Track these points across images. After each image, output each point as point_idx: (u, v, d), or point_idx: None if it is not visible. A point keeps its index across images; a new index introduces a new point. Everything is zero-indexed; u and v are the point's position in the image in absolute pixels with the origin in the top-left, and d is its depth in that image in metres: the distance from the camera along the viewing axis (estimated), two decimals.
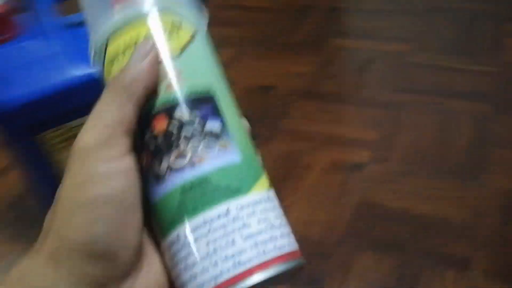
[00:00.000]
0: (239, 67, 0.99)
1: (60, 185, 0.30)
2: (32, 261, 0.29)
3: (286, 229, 0.32)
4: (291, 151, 0.78)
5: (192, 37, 0.33)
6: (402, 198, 0.68)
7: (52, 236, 0.29)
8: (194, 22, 0.34)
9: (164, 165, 0.30)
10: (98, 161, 0.29)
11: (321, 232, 0.65)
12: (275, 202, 0.33)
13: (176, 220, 0.31)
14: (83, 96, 0.46)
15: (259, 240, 0.30)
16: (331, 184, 0.71)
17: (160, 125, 0.31)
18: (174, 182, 0.30)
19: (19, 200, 0.79)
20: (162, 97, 0.31)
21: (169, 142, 0.31)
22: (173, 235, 0.31)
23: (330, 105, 0.86)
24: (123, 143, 0.30)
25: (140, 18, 0.33)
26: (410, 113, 0.81)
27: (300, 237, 0.64)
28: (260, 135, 0.82)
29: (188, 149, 0.30)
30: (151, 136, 0.31)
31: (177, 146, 0.31)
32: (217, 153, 0.31)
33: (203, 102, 0.32)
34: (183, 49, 0.32)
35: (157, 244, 0.33)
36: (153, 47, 0.32)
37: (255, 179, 0.32)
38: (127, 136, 0.30)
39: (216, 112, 0.32)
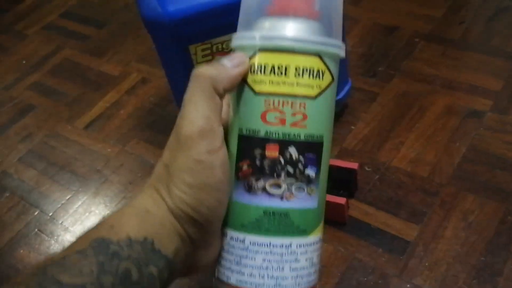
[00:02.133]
0: (366, 4, 0.99)
1: (168, 156, 0.36)
2: (156, 206, 0.36)
3: (317, 267, 0.40)
4: (410, 92, 0.80)
5: (329, 85, 0.37)
6: None
7: (169, 200, 0.36)
8: (335, 71, 0.37)
9: (261, 184, 0.36)
10: (202, 151, 0.35)
11: (429, 170, 0.68)
12: (320, 244, 0.40)
13: (249, 229, 0.37)
14: (226, 16, 0.52)
15: (299, 274, 0.37)
16: (446, 127, 0.73)
17: (273, 151, 0.36)
18: (261, 202, 0.36)
19: (158, 107, 0.88)
20: (286, 129, 0.36)
21: (273, 169, 0.36)
22: (240, 235, 0.37)
23: (455, 51, 0.86)
24: (219, 134, 0.36)
25: (299, 50, 0.35)
26: None
27: (408, 173, 0.68)
28: (380, 73, 0.84)
29: (285, 183, 0.36)
30: (261, 155, 0.36)
31: (278, 176, 0.36)
32: (304, 196, 0.37)
33: (312, 148, 0.37)
34: (318, 95, 0.36)
35: None
36: (246, 63, 0.36)
37: (317, 225, 0.39)
38: (221, 127, 0.36)
39: (318, 161, 0.37)
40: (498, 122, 0.72)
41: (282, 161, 0.36)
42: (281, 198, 0.36)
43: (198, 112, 0.35)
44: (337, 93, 0.72)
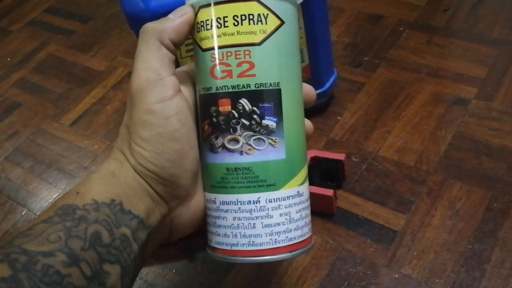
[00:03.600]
0: None
1: (127, 117, 0.37)
2: (122, 167, 0.36)
3: (303, 222, 0.38)
4: (396, 81, 0.80)
5: (277, 29, 0.36)
6: (501, 136, 0.69)
7: (131, 158, 0.36)
8: (285, 13, 0.36)
9: (220, 141, 0.36)
10: (153, 101, 0.35)
11: (416, 159, 0.68)
12: (302, 197, 0.38)
13: (217, 188, 0.37)
14: None
15: (274, 231, 0.36)
16: (432, 115, 0.73)
17: (225, 105, 0.35)
18: (222, 159, 0.36)
19: None
20: (233, 81, 0.35)
21: (228, 124, 0.35)
22: (211, 196, 0.37)
23: (440, 38, 0.86)
24: (170, 83, 0.36)
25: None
26: None
27: (395, 162, 0.69)
28: (366, 63, 0.84)
29: (242, 136, 0.35)
30: (215, 111, 0.36)
31: (234, 130, 0.35)
32: (265, 148, 0.35)
33: (268, 97, 0.35)
34: (263, 40, 0.35)
35: None
36: (189, 12, 0.36)
37: (291, 177, 0.37)
38: (173, 76, 0.36)
39: (277, 110, 0.36)
40: (483, 109, 0.73)
41: (236, 114, 0.35)
42: (241, 153, 0.35)
43: (144, 64, 0.35)
44: (323, 84, 0.73)
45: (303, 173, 0.38)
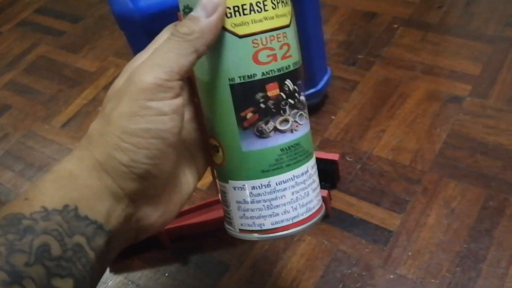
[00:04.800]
0: None
1: (111, 105, 0.33)
2: (82, 164, 0.33)
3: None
4: (391, 79, 0.79)
5: (292, 8, 0.37)
6: (496, 134, 0.68)
7: (101, 149, 0.33)
8: None
9: (271, 125, 0.36)
10: (152, 99, 0.32)
11: (411, 158, 0.68)
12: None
13: (271, 171, 0.37)
14: None
15: (318, 191, 0.40)
16: (426, 113, 0.73)
17: (273, 89, 0.35)
18: (276, 142, 0.36)
19: None
20: (279, 64, 0.35)
21: (279, 107, 0.36)
22: (263, 181, 0.37)
23: (434, 35, 0.85)
24: (177, 88, 0.33)
25: None
26: None
27: (390, 161, 0.68)
28: (360, 61, 0.83)
29: (291, 115, 0.36)
30: (262, 97, 0.35)
31: (284, 111, 0.36)
32: (304, 121, 0.38)
33: (299, 74, 0.37)
34: (291, 21, 0.36)
35: (194, 175, 0.40)
36: (222, 5, 0.33)
37: (313, 144, 0.40)
38: (181, 82, 0.33)
39: (303, 85, 0.38)
40: (477, 107, 0.72)
41: (284, 96, 0.36)
42: (292, 131, 0.37)
43: (163, 61, 0.32)
44: (317, 84, 0.72)
45: None
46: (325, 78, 0.74)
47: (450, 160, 0.66)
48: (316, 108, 0.76)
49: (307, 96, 0.73)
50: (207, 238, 0.63)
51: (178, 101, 0.34)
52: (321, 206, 0.40)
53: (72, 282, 0.30)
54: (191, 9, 0.34)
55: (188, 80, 0.38)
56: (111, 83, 0.91)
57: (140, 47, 0.63)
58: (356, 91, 0.78)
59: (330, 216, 0.63)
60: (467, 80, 0.76)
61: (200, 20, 0.33)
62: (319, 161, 0.64)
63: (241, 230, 0.39)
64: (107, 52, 0.98)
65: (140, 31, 0.59)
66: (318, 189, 0.40)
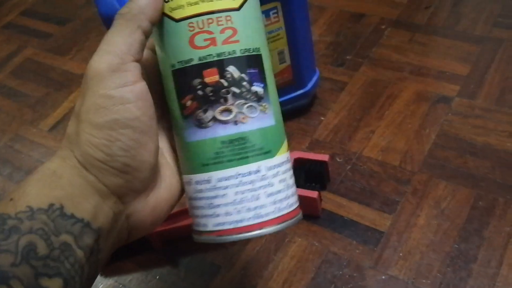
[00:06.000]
0: None
1: (79, 103, 0.33)
2: (64, 164, 0.33)
3: (294, 188, 0.37)
4: (379, 80, 0.79)
5: None
6: (485, 134, 0.68)
7: (78, 148, 0.32)
8: None
9: (209, 114, 0.33)
10: (112, 86, 0.31)
11: (400, 159, 0.68)
12: (290, 163, 0.37)
13: (211, 165, 0.34)
14: None
15: (277, 198, 0.35)
16: (415, 114, 0.73)
17: (211, 75, 0.33)
18: (216, 133, 0.33)
19: None
20: (218, 49, 0.33)
21: (218, 94, 0.33)
22: (203, 176, 0.34)
23: (422, 36, 0.85)
24: (134, 70, 0.32)
25: None
26: (507, 50, 0.80)
27: (379, 162, 0.68)
28: (348, 62, 0.83)
29: (235, 106, 0.33)
30: (200, 83, 0.33)
31: (226, 100, 0.33)
32: (258, 114, 0.34)
33: (253, 63, 0.34)
34: (242, 4, 0.34)
35: (176, 167, 0.37)
36: None
37: (282, 143, 0.36)
38: (137, 63, 0.33)
39: (261, 75, 0.34)
40: (466, 107, 0.72)
41: (225, 83, 0.33)
42: (235, 123, 0.33)
43: (109, 46, 0.32)
44: (306, 85, 0.72)
45: (287, 142, 0.38)
46: (314, 79, 0.74)
47: (440, 161, 0.67)
48: (305, 109, 0.76)
49: (296, 98, 0.73)
50: None
51: (141, 86, 0.33)
52: (280, 217, 0.35)
53: (61, 282, 0.29)
54: None
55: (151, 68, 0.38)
56: None
57: None
58: (344, 92, 0.78)
59: (321, 218, 0.63)
60: (455, 81, 0.76)
61: None
62: (309, 162, 0.64)
63: (193, 231, 0.37)
64: None
65: None
66: (280, 195, 0.35)
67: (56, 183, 0.31)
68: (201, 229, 0.35)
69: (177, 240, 0.63)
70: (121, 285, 0.61)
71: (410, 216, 0.62)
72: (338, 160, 0.69)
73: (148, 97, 0.33)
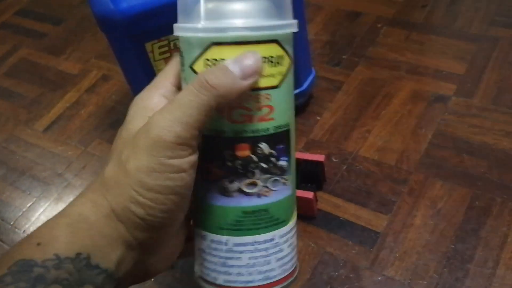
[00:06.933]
0: None
1: (128, 152, 0.32)
2: (97, 211, 0.32)
3: (296, 248, 0.39)
4: (376, 79, 0.79)
5: (289, 69, 0.34)
6: (482, 133, 0.68)
7: (118, 199, 0.32)
8: (291, 51, 0.34)
9: (235, 185, 0.34)
10: (173, 157, 0.31)
11: (396, 158, 0.67)
12: (296, 226, 0.39)
13: (229, 230, 0.35)
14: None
15: (285, 261, 0.37)
16: (412, 113, 0.72)
17: (243, 150, 0.33)
18: (239, 203, 0.34)
19: (120, 105, 0.86)
20: (253, 126, 0.33)
21: (247, 168, 0.34)
22: (221, 238, 0.35)
23: (419, 35, 0.85)
24: (194, 145, 0.32)
25: (257, 37, 0.32)
26: (504, 48, 0.79)
27: (376, 162, 0.68)
28: (345, 61, 0.83)
29: (261, 180, 0.34)
30: (231, 156, 0.33)
31: (253, 174, 0.34)
32: (280, 188, 0.35)
33: (282, 139, 0.34)
34: (281, 81, 0.33)
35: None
36: (259, 71, 0.31)
37: (293, 211, 0.37)
38: (198, 137, 0.32)
39: (288, 149, 0.35)
40: (463, 106, 0.72)
41: (255, 158, 0.33)
42: (258, 195, 0.34)
43: (183, 117, 0.31)
44: (301, 84, 0.72)
45: (296, 207, 0.38)
46: (310, 79, 0.73)
47: (436, 160, 0.66)
48: (301, 108, 0.76)
49: None
50: (193, 241, 0.63)
51: (195, 155, 0.32)
52: (285, 277, 0.37)
53: None
54: (219, 43, 0.32)
55: None
56: (93, 85, 0.90)
57: (123, 50, 0.63)
58: (341, 91, 0.78)
59: (316, 218, 0.63)
60: (452, 80, 0.76)
61: (234, 79, 0.31)
62: (305, 162, 0.64)
63: (199, 277, 0.38)
64: (90, 54, 0.97)
65: (122, 33, 0.58)
66: (287, 258, 0.37)
67: (87, 232, 0.31)
68: (210, 280, 0.37)
69: None
70: None
71: (407, 216, 0.61)
72: (334, 160, 0.69)
73: (194, 172, 0.33)
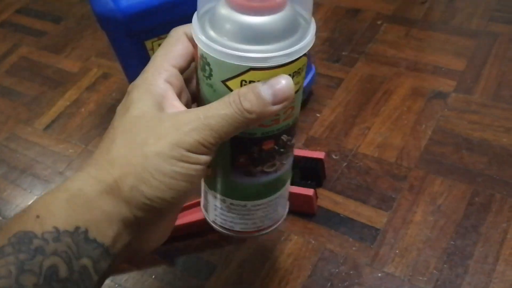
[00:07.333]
0: None
1: (148, 141, 0.33)
2: (98, 186, 0.33)
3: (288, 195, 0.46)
4: (375, 75, 0.79)
5: (304, 73, 0.37)
6: (481, 129, 0.68)
7: (127, 178, 0.32)
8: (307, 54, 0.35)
9: (259, 169, 0.39)
10: (194, 152, 0.33)
11: (396, 155, 0.68)
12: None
13: (250, 198, 0.41)
14: (182, 9, 0.50)
15: (283, 205, 0.45)
16: (412, 110, 0.73)
17: (269, 144, 0.37)
18: (260, 179, 0.40)
19: (118, 103, 0.86)
20: (279, 125, 0.37)
21: (270, 156, 0.39)
22: (241, 203, 0.41)
23: (418, 31, 0.85)
24: (215, 150, 0.34)
25: (293, 60, 0.33)
26: (503, 44, 0.79)
27: (376, 159, 0.68)
28: (344, 58, 0.83)
29: (278, 160, 0.39)
30: (258, 150, 0.37)
31: (274, 158, 0.39)
32: (289, 159, 0.41)
33: (295, 127, 0.39)
34: (301, 86, 0.36)
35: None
36: (290, 97, 0.33)
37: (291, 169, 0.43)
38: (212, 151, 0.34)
39: (295, 130, 0.40)
40: (462, 102, 0.72)
41: (277, 147, 0.38)
42: (276, 171, 0.40)
43: (215, 131, 0.33)
44: None
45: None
46: (310, 76, 0.73)
47: (436, 157, 0.66)
48: (301, 105, 0.76)
49: None
50: (193, 239, 0.63)
51: (212, 155, 0.35)
52: (284, 214, 0.46)
53: None
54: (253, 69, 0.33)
55: None
56: (94, 83, 0.90)
57: (123, 48, 0.63)
58: (340, 88, 0.78)
59: (317, 215, 0.63)
60: (451, 76, 0.76)
61: (266, 104, 0.33)
62: (305, 159, 0.64)
63: (214, 222, 0.44)
64: (90, 52, 0.97)
65: (122, 31, 0.58)
66: (286, 201, 0.45)
67: (85, 207, 0.32)
68: (227, 227, 0.43)
69: (172, 239, 0.63)
70: (117, 285, 0.61)
71: (407, 212, 0.61)
72: (334, 157, 0.69)
73: (201, 175, 0.35)
